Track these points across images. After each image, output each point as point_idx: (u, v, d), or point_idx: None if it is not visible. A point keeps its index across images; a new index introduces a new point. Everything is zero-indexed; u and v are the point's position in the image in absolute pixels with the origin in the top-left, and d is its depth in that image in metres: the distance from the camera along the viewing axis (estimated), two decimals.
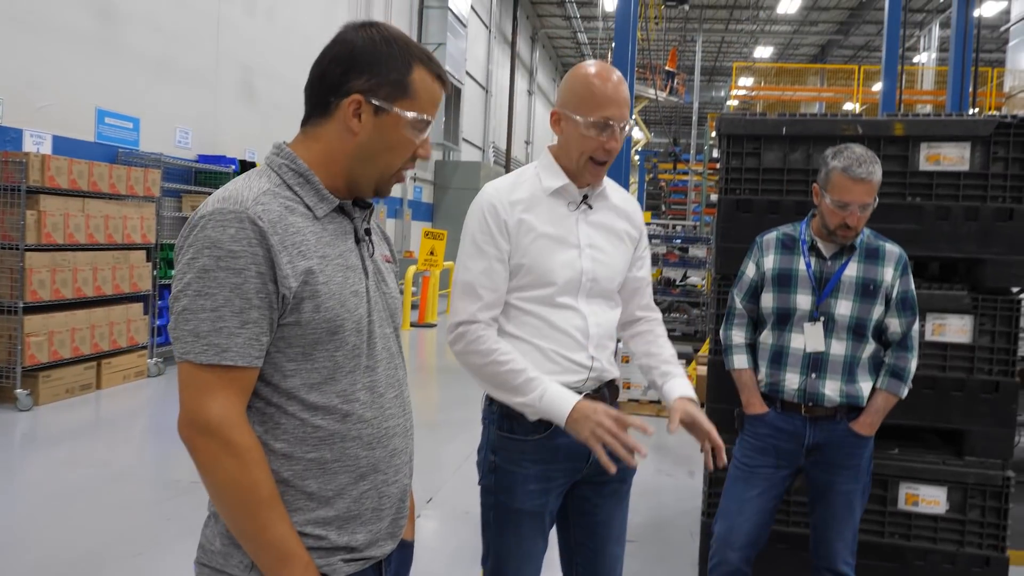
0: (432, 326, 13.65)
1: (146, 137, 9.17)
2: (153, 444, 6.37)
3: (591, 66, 2.28)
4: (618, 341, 2.57)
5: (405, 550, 1.76)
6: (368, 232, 1.67)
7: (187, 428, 1.43)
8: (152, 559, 4.18)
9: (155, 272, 8.67)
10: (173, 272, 1.48)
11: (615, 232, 2.39)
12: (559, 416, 2.08)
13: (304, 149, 1.58)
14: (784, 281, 3.08)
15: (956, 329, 3.65)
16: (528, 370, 2.14)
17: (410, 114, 1.56)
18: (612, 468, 1.95)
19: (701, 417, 2.20)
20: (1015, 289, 3.68)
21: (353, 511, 1.56)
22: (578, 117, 2.22)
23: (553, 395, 2.10)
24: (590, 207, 2.35)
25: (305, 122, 1.61)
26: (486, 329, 2.22)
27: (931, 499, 3.63)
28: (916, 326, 3.06)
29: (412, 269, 13.72)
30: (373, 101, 1.54)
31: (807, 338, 3.01)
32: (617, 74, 2.27)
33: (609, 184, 2.42)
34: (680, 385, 2.33)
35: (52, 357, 7.20)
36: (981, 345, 3.65)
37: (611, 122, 2.21)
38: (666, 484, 5.69)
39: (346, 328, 1.54)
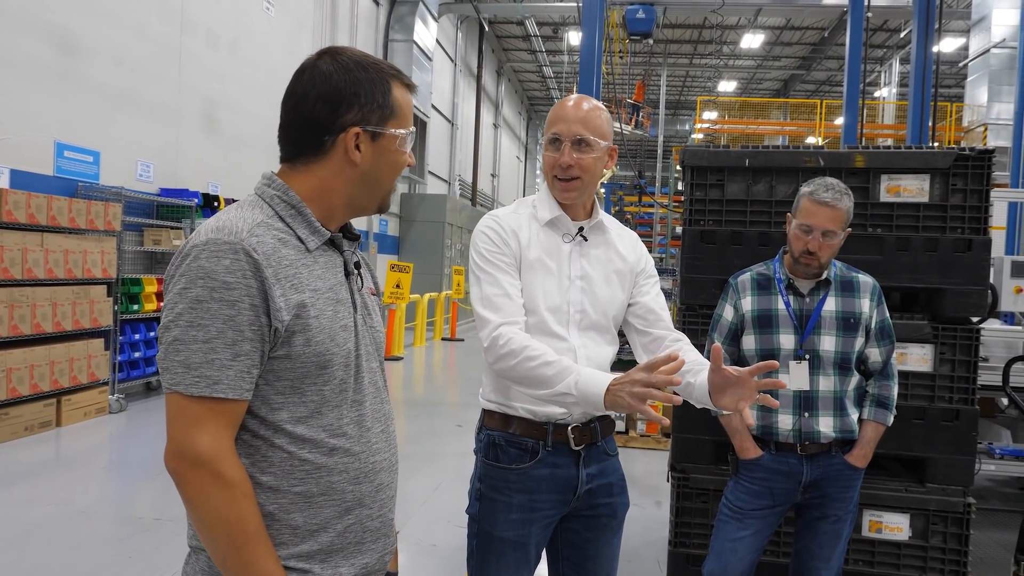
0: (399, 359, 13.56)
1: (107, 170, 9.06)
2: (115, 481, 6.23)
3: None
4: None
5: None
6: (358, 265, 1.67)
7: (175, 460, 1.41)
8: None
9: (116, 307, 8.52)
10: (163, 302, 1.46)
11: (611, 267, 2.39)
12: (596, 399, 1.98)
13: (295, 182, 1.57)
14: (765, 322, 3.07)
15: (917, 358, 3.70)
16: (561, 360, 2.08)
17: (401, 131, 1.60)
18: (665, 421, 1.87)
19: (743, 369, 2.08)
20: (974, 319, 3.73)
21: (336, 544, 1.54)
22: (541, 140, 2.32)
23: (587, 378, 2.01)
24: (585, 239, 2.36)
25: (292, 159, 1.59)
26: (513, 330, 2.17)
27: (894, 526, 3.65)
28: (895, 354, 3.09)
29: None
30: (369, 129, 1.55)
31: (792, 377, 2.99)
32: (578, 98, 2.32)
33: (609, 221, 2.45)
34: None
35: (10, 394, 7.04)
36: (942, 374, 3.69)
37: (558, 137, 2.27)
38: (633, 514, 5.63)
39: (335, 363, 1.52)
